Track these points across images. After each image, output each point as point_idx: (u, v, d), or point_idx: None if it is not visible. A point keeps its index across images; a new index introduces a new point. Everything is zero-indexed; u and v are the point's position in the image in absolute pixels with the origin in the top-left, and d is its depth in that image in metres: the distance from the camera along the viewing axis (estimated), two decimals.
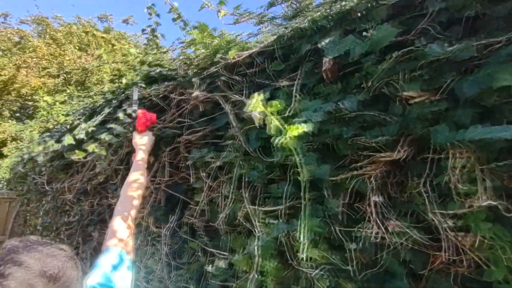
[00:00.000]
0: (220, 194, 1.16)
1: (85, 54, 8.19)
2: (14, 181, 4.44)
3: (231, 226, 1.10)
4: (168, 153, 1.32)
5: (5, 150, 6.93)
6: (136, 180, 1.16)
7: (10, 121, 8.74)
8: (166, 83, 1.46)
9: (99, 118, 1.71)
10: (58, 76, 7.84)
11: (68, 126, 1.95)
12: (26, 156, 3.26)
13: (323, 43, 0.82)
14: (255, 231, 0.95)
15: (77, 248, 2.13)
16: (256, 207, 0.99)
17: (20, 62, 8.50)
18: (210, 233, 1.20)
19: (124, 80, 1.72)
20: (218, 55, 1.15)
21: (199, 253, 1.20)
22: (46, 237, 2.79)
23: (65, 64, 7.48)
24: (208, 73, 1.15)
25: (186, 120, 1.29)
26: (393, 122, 0.70)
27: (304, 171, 0.77)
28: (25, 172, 3.79)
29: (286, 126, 0.71)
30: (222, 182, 1.14)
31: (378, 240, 0.70)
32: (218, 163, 1.12)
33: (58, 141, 2.14)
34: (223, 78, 1.15)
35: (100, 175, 1.77)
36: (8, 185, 5.29)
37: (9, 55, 9.44)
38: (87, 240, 2.08)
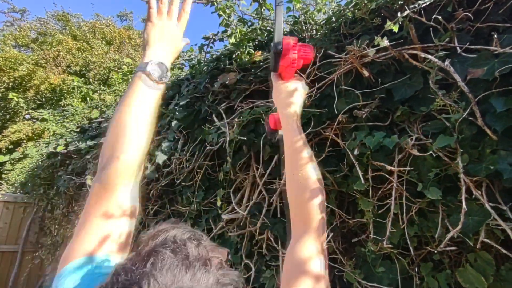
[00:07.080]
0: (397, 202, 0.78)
1: (111, 50, 7.89)
2: (32, 183, 3.89)
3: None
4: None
5: (20, 150, 6.60)
6: (304, 162, 0.59)
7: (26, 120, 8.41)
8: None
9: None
10: (81, 72, 7.48)
11: None
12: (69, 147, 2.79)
13: None
14: None
15: None
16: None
17: (39, 58, 8.12)
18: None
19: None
20: None
21: None
22: None
23: (93, 60, 7.13)
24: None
25: (332, 92, 0.91)
26: None
27: None
28: (51, 172, 3.31)
29: None
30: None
31: None
32: (414, 150, 0.73)
33: None
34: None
35: (176, 174, 1.40)
36: (23, 189, 4.59)
37: (28, 50, 9.19)
38: None
